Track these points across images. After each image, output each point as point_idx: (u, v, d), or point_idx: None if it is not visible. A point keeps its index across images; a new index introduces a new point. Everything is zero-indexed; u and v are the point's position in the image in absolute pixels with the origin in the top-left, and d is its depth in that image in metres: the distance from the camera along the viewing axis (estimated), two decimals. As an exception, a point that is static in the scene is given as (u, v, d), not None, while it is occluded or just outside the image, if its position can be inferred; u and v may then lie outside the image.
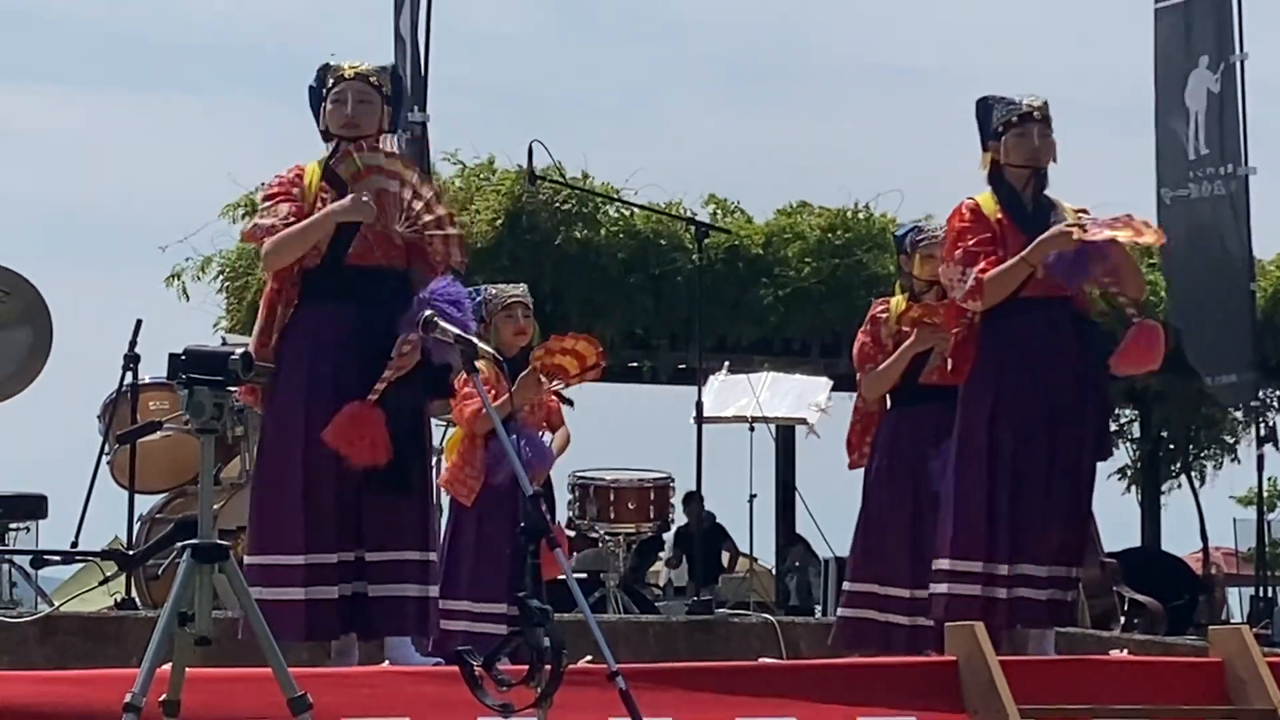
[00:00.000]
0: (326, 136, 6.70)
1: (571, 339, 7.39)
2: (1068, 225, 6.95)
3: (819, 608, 12.07)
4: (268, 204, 6.70)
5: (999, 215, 7.06)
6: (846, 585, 7.96)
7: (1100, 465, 7.55)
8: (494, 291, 7.95)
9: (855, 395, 8.14)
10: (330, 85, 6.63)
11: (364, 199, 6.49)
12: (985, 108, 7.19)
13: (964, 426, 7.14)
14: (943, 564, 7.08)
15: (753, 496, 12.60)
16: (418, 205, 6.67)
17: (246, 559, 6.68)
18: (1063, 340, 7.08)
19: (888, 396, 7.74)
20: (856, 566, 7.89)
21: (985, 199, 7.14)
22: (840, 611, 7.95)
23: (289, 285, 6.65)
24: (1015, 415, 7.01)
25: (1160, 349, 7.23)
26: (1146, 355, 7.17)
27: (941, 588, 7.03)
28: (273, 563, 6.57)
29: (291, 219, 6.52)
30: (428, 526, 6.72)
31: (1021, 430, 7.02)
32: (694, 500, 11.21)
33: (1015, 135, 7.09)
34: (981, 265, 6.93)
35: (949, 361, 7.27)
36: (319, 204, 6.57)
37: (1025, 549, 6.97)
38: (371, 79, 6.65)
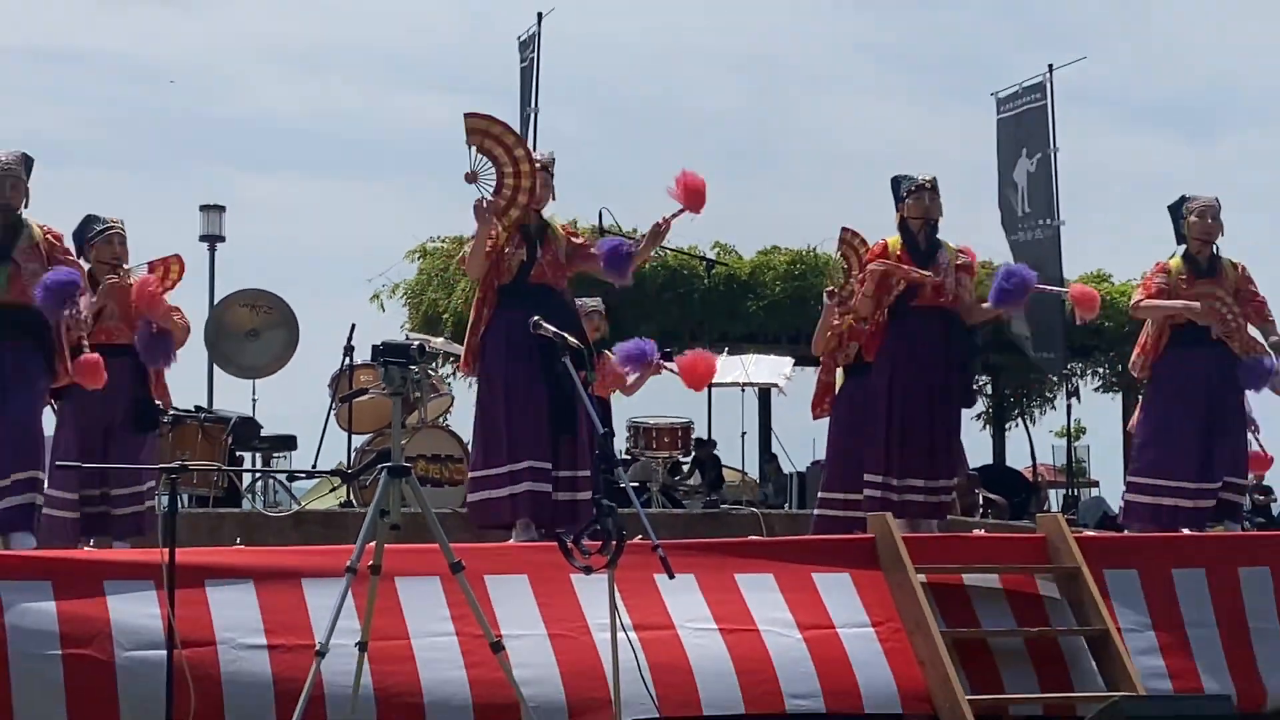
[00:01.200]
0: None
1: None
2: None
3: (786, 504, 14.28)
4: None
5: (899, 251, 9.04)
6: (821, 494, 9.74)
7: (966, 411, 9.65)
8: (578, 302, 9.60)
9: (818, 369, 10.00)
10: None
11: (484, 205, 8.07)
12: (895, 181, 9.23)
13: (871, 390, 9.15)
14: (869, 478, 9.05)
15: (743, 434, 15.77)
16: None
17: (471, 474, 8.33)
18: (938, 334, 9.05)
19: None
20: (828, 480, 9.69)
21: (893, 240, 9.13)
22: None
23: (490, 294, 8.29)
24: (905, 382, 9.00)
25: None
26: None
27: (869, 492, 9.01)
28: (485, 474, 8.15)
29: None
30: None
31: (908, 392, 8.99)
32: (705, 443, 13.41)
33: (914, 199, 9.12)
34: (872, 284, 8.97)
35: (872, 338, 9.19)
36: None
37: (912, 470, 8.98)
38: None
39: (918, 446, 9.04)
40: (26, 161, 7.98)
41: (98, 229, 8.56)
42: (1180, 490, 9.14)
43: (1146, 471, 9.27)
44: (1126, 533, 9.26)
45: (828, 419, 9.82)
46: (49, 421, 8.56)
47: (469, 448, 8.69)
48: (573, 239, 8.50)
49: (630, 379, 10.05)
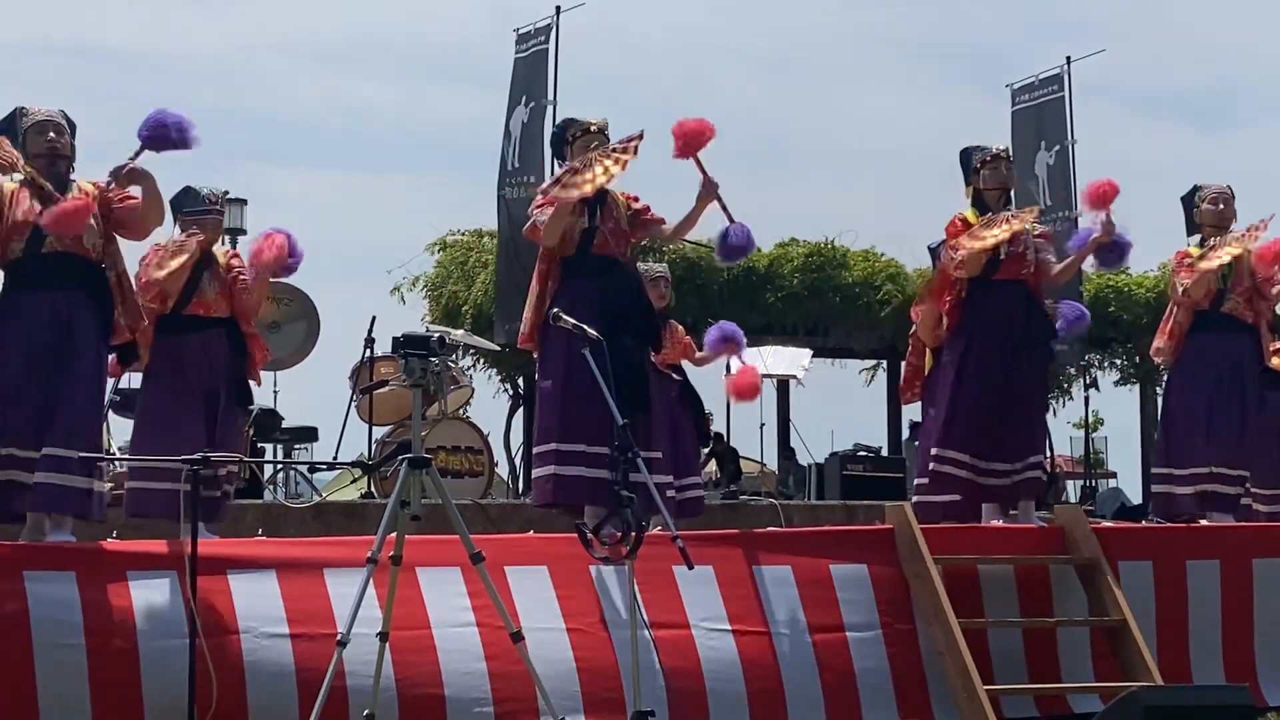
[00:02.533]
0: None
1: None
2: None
3: (804, 496, 14.29)
4: (537, 210, 7.92)
5: (977, 224, 8.56)
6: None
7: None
8: (644, 268, 9.42)
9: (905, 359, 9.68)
10: (578, 135, 8.06)
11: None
12: (965, 154, 8.91)
13: (944, 364, 8.79)
14: (935, 451, 8.65)
15: (762, 424, 16.05)
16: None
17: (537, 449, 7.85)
18: (1020, 308, 8.64)
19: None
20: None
21: (970, 214, 8.72)
22: None
23: (554, 267, 7.93)
24: (980, 358, 8.57)
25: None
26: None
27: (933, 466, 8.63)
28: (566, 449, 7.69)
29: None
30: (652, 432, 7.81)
31: (984, 368, 8.58)
32: (720, 439, 13.40)
33: (990, 170, 8.80)
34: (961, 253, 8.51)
35: (944, 320, 8.79)
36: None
37: (988, 451, 8.55)
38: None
39: (996, 425, 8.62)
40: (67, 117, 7.55)
41: (198, 208, 8.12)
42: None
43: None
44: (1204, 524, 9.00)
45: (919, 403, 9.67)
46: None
47: (535, 424, 8.23)
48: (633, 204, 8.16)
49: (707, 355, 10.00)
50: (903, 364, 10.04)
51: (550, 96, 14.38)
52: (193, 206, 8.06)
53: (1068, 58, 15.62)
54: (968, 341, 8.65)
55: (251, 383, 8.37)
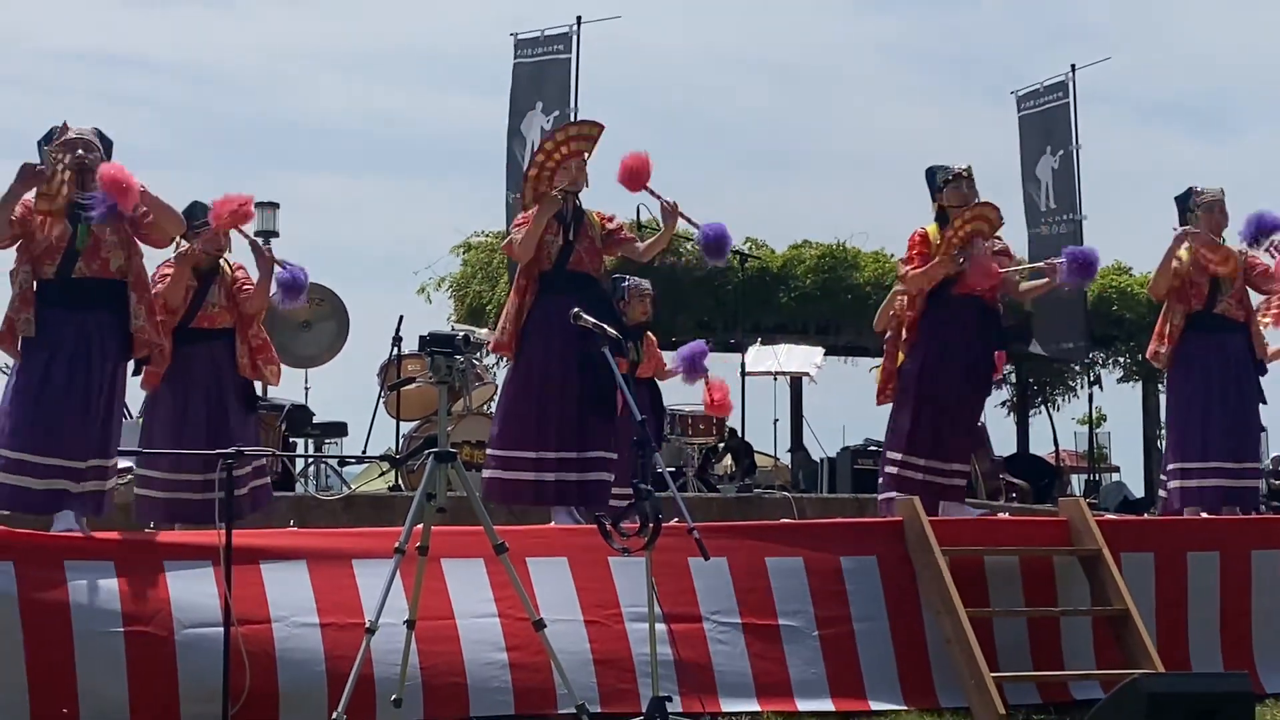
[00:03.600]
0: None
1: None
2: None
3: (818, 489, 14.24)
4: (516, 229, 8.36)
5: (938, 239, 8.90)
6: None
7: (991, 399, 9.63)
8: (632, 282, 10.07)
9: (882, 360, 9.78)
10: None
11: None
12: (930, 172, 9.15)
13: (906, 373, 9.05)
14: (890, 455, 9.03)
15: (775, 420, 15.84)
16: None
17: (491, 451, 8.29)
18: (972, 321, 8.96)
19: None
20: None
21: (932, 229, 9.03)
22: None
23: (531, 282, 8.29)
24: (936, 367, 8.91)
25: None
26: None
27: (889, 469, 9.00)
28: (511, 455, 8.19)
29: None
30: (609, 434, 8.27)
31: (938, 376, 8.92)
32: (734, 435, 13.47)
33: (952, 188, 9.03)
34: (913, 266, 8.90)
35: (911, 326, 9.05)
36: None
37: (939, 452, 8.92)
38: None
39: (943, 429, 9.01)
40: (101, 136, 7.68)
41: (202, 221, 8.25)
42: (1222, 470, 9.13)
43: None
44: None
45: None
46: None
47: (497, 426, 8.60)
48: (607, 224, 8.51)
49: (674, 371, 10.41)
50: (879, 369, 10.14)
51: (572, 105, 14.51)
52: (199, 220, 8.19)
53: (1072, 65, 15.73)
54: (924, 356, 9.01)
55: (258, 382, 8.63)
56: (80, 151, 7.49)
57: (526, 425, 8.30)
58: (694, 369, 10.78)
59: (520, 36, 14.87)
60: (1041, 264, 9.31)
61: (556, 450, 8.22)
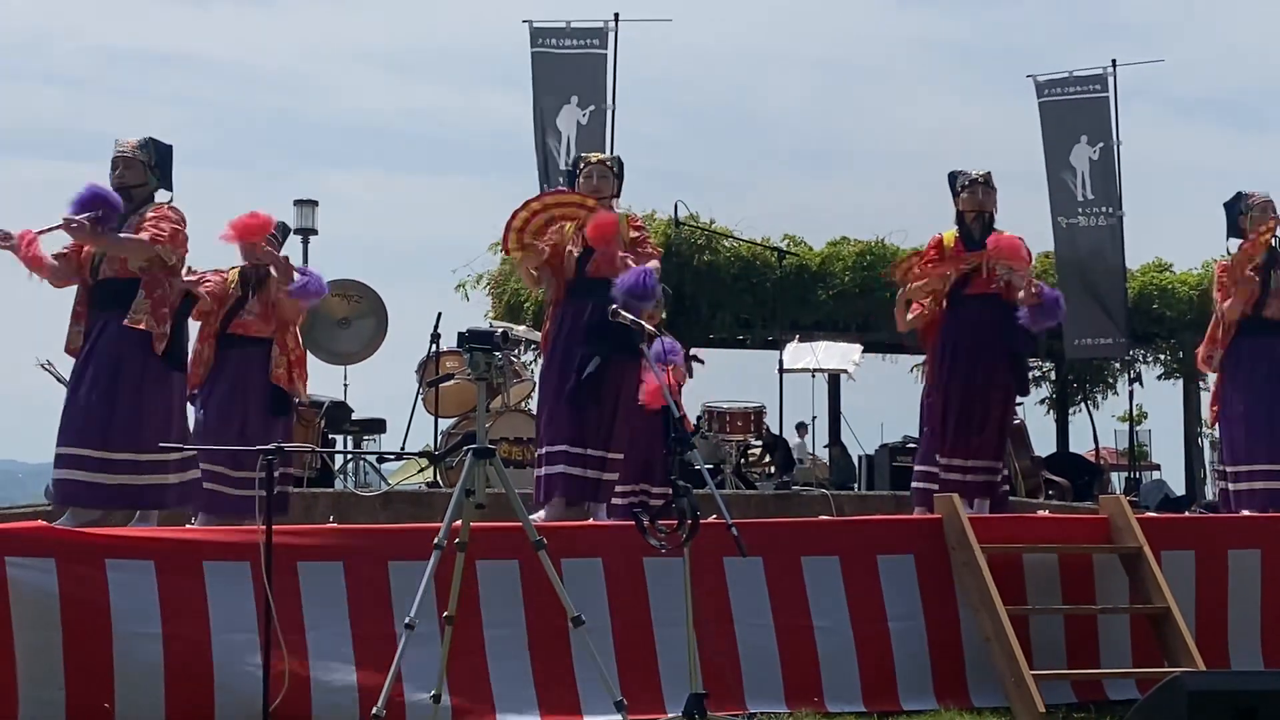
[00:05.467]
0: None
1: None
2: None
3: (855, 485, 14.33)
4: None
5: (953, 243, 9.02)
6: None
7: (1030, 397, 9.66)
8: None
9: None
10: (582, 168, 8.57)
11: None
12: (951, 176, 9.20)
13: (930, 376, 9.11)
14: (919, 468, 9.08)
15: (814, 418, 16.43)
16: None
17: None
18: (991, 320, 8.95)
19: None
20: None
21: (948, 234, 9.11)
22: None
23: (560, 290, 8.40)
24: (956, 368, 8.96)
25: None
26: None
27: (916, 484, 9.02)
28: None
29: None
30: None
31: (960, 377, 8.96)
32: (770, 433, 13.43)
33: (968, 193, 9.11)
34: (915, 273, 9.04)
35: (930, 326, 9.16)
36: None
37: (960, 450, 8.90)
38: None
39: (967, 429, 8.99)
40: (149, 144, 8.06)
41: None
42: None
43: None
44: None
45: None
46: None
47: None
48: (632, 229, 8.49)
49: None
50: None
51: (610, 101, 14.47)
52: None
53: (1113, 60, 15.61)
54: (941, 355, 9.11)
55: (284, 387, 8.89)
56: (119, 170, 7.99)
57: (540, 425, 8.42)
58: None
59: (537, 25, 14.83)
60: (1030, 285, 9.11)
61: (564, 445, 8.21)
